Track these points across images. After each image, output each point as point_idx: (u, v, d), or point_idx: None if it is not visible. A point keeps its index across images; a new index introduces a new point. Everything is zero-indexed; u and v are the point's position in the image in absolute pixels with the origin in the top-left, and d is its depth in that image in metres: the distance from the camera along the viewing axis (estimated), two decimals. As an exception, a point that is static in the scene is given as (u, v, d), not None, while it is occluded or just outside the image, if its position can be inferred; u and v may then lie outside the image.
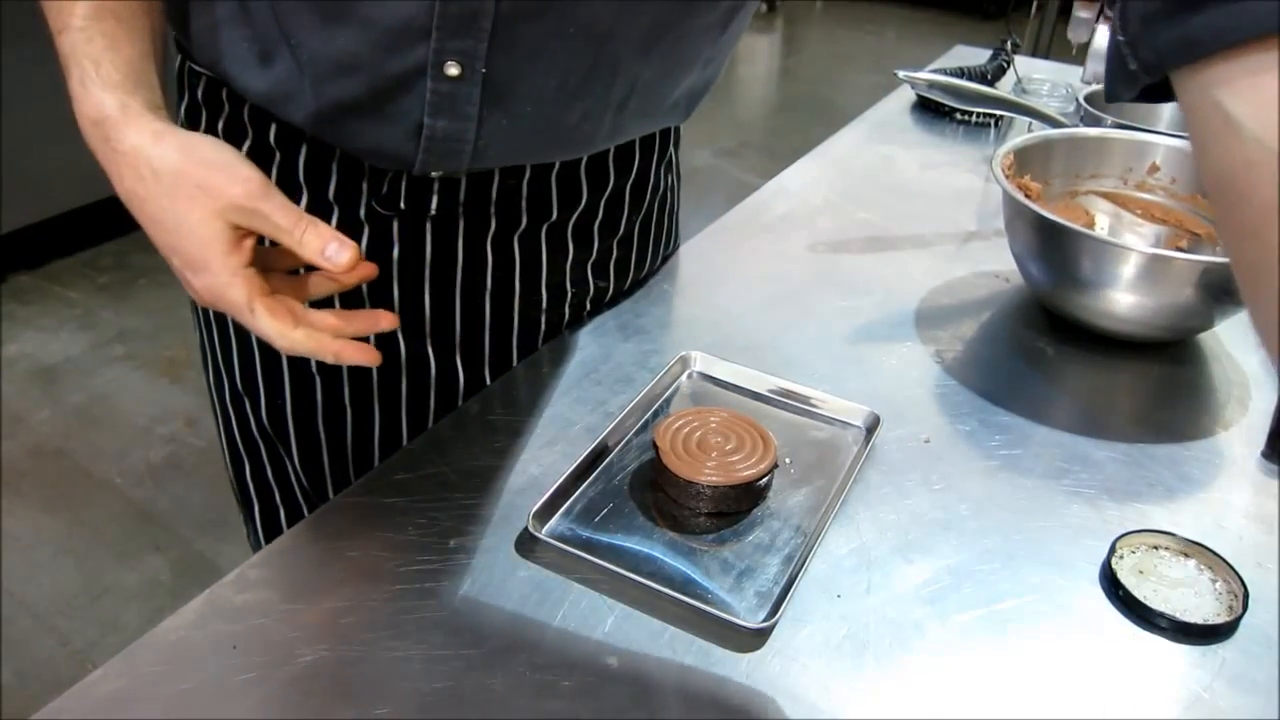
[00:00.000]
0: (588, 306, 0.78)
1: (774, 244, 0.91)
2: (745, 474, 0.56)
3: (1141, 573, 0.54)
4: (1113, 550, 0.55)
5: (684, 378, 0.70)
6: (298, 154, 0.65)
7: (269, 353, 0.71)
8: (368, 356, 0.53)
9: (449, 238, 0.68)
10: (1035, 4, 2.65)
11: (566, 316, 0.77)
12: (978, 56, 1.44)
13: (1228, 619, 0.51)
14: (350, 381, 0.71)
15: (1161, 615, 0.51)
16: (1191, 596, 0.53)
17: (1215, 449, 0.66)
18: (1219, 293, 0.69)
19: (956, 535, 0.57)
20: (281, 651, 0.48)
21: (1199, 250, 0.82)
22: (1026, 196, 0.75)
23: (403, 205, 0.66)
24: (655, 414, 0.66)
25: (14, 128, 2.20)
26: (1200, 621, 0.51)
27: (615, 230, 0.76)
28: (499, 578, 0.53)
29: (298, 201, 0.62)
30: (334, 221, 0.66)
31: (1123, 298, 0.71)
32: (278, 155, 0.65)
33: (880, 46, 4.94)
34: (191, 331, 0.78)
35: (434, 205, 0.66)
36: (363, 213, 0.66)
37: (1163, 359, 0.76)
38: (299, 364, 0.71)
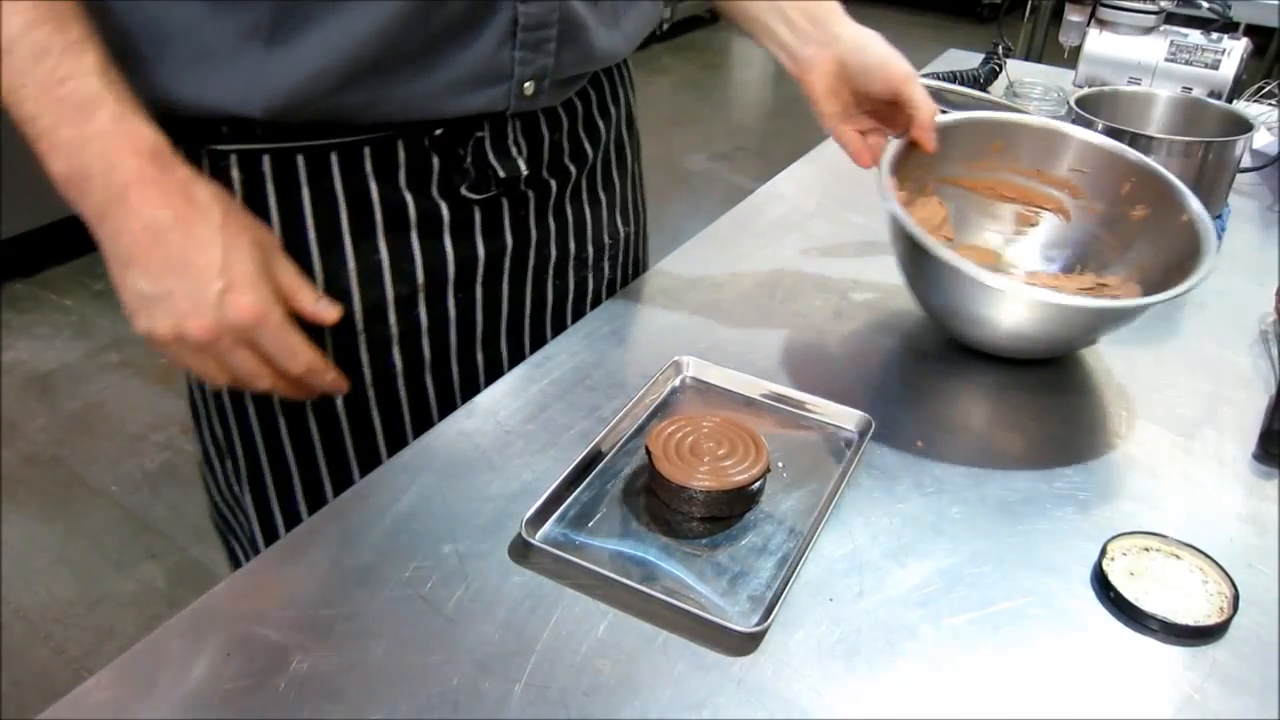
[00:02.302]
0: (620, 258, 0.85)
1: (767, 248, 0.92)
2: (737, 479, 0.56)
3: (1133, 574, 0.54)
4: (1104, 552, 0.55)
5: (677, 383, 0.71)
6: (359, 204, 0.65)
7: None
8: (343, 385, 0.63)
9: (520, 214, 0.72)
10: (1028, 8, 2.66)
11: (606, 273, 0.83)
12: (970, 61, 1.45)
13: (1219, 620, 0.51)
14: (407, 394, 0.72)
15: (1152, 617, 0.51)
16: (1182, 598, 0.53)
17: (1206, 450, 0.66)
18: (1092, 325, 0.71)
19: (949, 539, 0.57)
20: (276, 658, 0.48)
21: (1055, 226, 0.81)
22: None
23: (500, 172, 0.67)
24: (648, 419, 0.66)
25: (9, 135, 2.20)
26: (1191, 623, 0.51)
27: (626, 169, 0.84)
28: (493, 583, 0.53)
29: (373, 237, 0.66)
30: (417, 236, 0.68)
31: (998, 329, 0.70)
32: (379, 216, 0.66)
33: (875, 50, 4.94)
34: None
35: (523, 162, 0.69)
36: (446, 210, 0.68)
37: (1153, 360, 0.77)
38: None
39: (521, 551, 0.55)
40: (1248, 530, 0.59)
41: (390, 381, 0.70)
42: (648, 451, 0.58)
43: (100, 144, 0.53)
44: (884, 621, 0.52)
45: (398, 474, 0.61)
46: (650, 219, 0.92)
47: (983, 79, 1.36)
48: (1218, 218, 0.95)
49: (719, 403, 0.69)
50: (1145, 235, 0.76)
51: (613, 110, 0.80)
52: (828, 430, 0.66)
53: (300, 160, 0.62)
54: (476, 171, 0.67)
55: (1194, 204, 0.73)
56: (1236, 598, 0.53)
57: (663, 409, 0.68)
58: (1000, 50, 1.40)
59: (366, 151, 0.63)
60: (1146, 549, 0.56)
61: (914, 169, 0.78)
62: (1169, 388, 0.73)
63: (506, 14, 0.61)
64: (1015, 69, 1.41)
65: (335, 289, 0.65)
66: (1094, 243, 0.80)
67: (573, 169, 0.76)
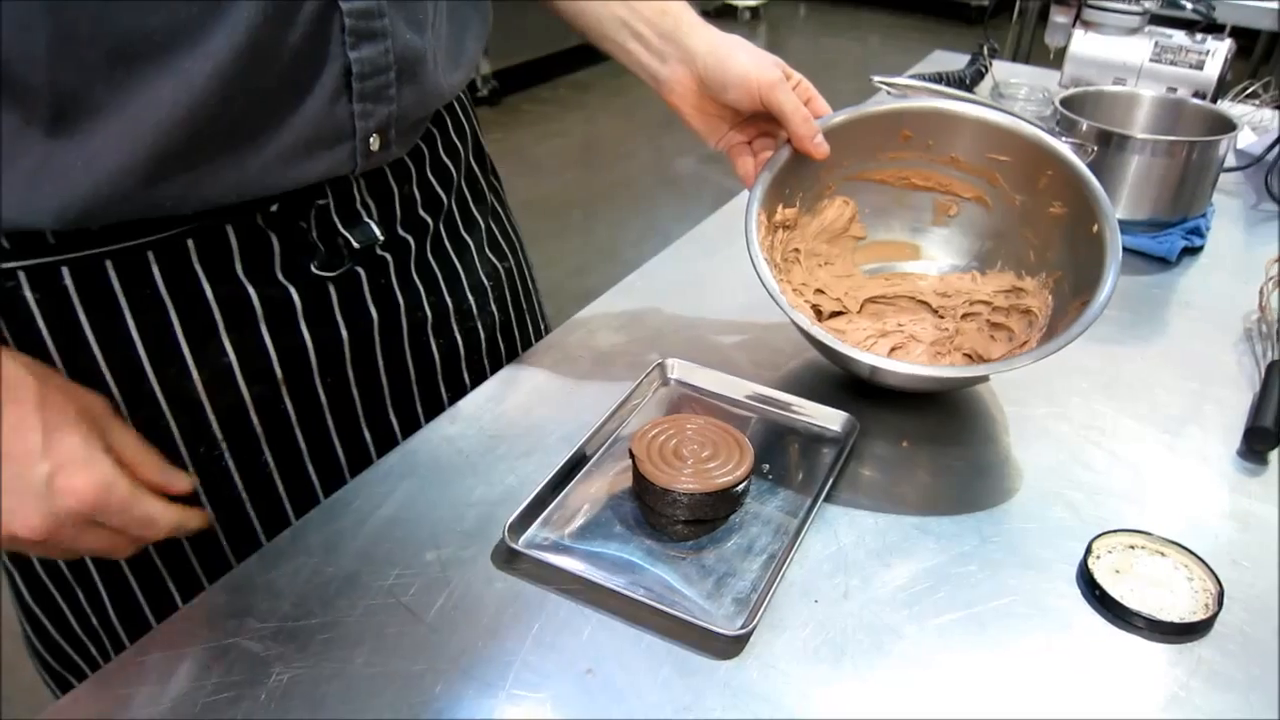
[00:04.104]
0: (507, 296, 0.78)
1: (753, 251, 0.91)
2: (722, 481, 0.56)
3: (1118, 572, 0.54)
4: (1089, 550, 0.55)
5: (662, 384, 0.70)
6: (206, 292, 0.57)
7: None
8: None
9: (381, 282, 0.65)
10: (1015, 10, 2.67)
11: (496, 316, 0.76)
12: (956, 62, 1.45)
13: (1204, 617, 0.51)
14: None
15: (1138, 614, 0.51)
16: (1168, 595, 0.53)
17: (1192, 448, 0.66)
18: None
19: (934, 538, 0.57)
20: (256, 669, 0.48)
21: (977, 216, 0.77)
22: (785, 229, 0.73)
23: (353, 242, 0.61)
24: (633, 422, 0.66)
25: None
26: (1176, 620, 0.51)
27: (486, 203, 0.77)
28: (476, 590, 0.53)
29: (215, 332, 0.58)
30: (267, 318, 0.59)
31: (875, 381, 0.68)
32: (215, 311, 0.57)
33: (863, 52, 4.96)
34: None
35: (375, 225, 0.62)
36: (297, 294, 0.60)
37: (1139, 358, 0.77)
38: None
39: (505, 557, 0.55)
40: (1233, 527, 0.59)
41: (265, 477, 0.62)
42: (632, 454, 0.58)
43: None
44: (869, 622, 0.51)
45: (380, 480, 0.61)
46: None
47: (968, 80, 1.37)
48: (1202, 216, 0.96)
49: (704, 405, 0.69)
50: (1062, 237, 0.70)
51: (459, 146, 0.72)
52: (813, 431, 0.66)
53: (110, 267, 0.52)
54: (325, 245, 0.60)
55: (1106, 211, 0.66)
56: (1221, 594, 0.53)
57: (647, 411, 0.68)
58: (986, 51, 1.41)
59: (191, 244, 0.54)
60: (1132, 546, 0.56)
61: (810, 173, 0.73)
62: (1154, 385, 0.73)
63: (337, 64, 0.53)
64: (1001, 70, 1.41)
65: (182, 403, 0.57)
66: (1015, 236, 0.74)
67: (429, 219, 0.68)
